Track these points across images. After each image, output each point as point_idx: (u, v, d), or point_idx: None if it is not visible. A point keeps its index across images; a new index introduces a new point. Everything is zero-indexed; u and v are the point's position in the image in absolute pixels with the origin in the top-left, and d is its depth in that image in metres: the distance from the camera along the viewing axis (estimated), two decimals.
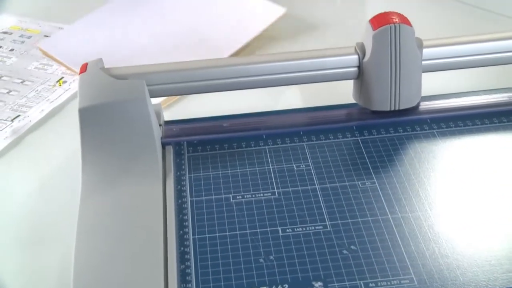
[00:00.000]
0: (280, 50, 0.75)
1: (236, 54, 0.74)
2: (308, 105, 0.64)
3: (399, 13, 0.59)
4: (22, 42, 0.80)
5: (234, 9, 0.82)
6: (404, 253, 0.47)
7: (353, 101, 0.62)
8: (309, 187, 0.53)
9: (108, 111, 0.55)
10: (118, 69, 0.58)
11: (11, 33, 0.82)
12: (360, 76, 0.59)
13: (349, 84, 0.61)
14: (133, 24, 0.81)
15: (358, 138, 0.58)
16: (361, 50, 0.59)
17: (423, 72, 0.60)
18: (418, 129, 0.58)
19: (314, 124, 0.60)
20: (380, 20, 0.58)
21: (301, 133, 0.59)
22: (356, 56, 0.59)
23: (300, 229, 0.49)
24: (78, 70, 0.70)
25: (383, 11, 0.59)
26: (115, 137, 0.54)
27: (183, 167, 0.56)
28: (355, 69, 0.59)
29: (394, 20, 0.57)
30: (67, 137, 0.64)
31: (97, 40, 0.78)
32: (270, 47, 0.76)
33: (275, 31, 0.78)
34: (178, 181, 0.54)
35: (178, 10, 0.83)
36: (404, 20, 0.58)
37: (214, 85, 0.58)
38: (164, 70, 0.58)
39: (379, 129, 0.59)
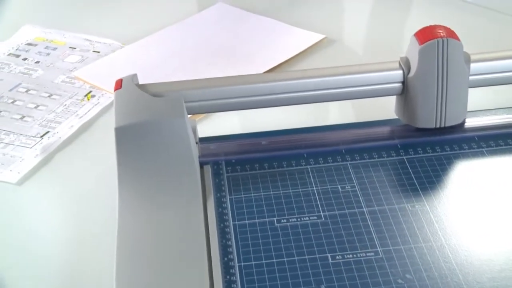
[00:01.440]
0: None
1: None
2: (346, 121, 0.62)
3: (446, 27, 0.56)
4: (48, 54, 0.78)
5: (272, 34, 0.81)
6: (463, 283, 0.44)
7: (394, 117, 0.60)
8: (356, 210, 0.51)
9: (146, 130, 0.52)
10: (154, 86, 0.56)
11: (35, 45, 0.80)
12: (405, 92, 0.57)
13: (390, 99, 0.59)
14: (170, 47, 0.79)
15: (404, 157, 0.56)
16: (405, 65, 0.57)
17: (470, 87, 0.57)
18: (466, 147, 0.56)
19: (356, 142, 0.58)
20: (426, 34, 0.56)
21: (344, 151, 0.57)
22: (400, 71, 0.57)
23: (351, 255, 0.47)
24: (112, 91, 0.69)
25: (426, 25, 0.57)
26: (152, 157, 0.52)
27: (223, 188, 0.54)
28: (399, 84, 0.57)
29: (441, 34, 0.55)
30: (99, 155, 0.62)
31: (134, 65, 0.76)
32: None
33: (313, 56, 0.77)
34: (219, 203, 0.52)
35: (216, 31, 0.82)
36: (452, 34, 0.56)
37: (254, 101, 0.56)
38: (202, 86, 0.56)
39: (425, 147, 0.56)
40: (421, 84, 0.56)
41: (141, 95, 0.54)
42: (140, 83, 0.57)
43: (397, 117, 0.59)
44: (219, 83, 0.56)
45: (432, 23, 0.58)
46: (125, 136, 0.52)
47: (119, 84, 0.56)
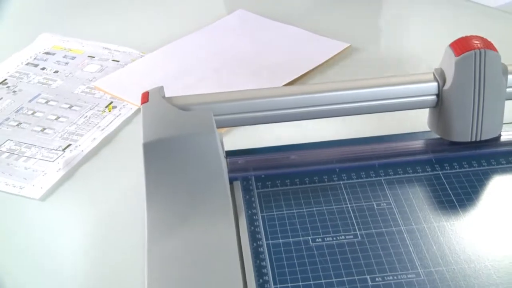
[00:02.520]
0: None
1: (293, 83, 0.71)
2: (375, 133, 0.60)
3: (482, 37, 0.55)
4: (66, 63, 0.77)
5: (295, 42, 0.79)
6: None
7: (426, 129, 0.58)
8: (393, 228, 0.49)
9: (175, 146, 0.51)
10: (181, 98, 0.54)
11: (54, 54, 0.79)
12: (439, 104, 0.55)
13: (420, 110, 0.58)
14: (191, 55, 0.78)
15: (440, 172, 0.54)
16: (440, 76, 0.55)
17: (507, 99, 0.56)
18: (504, 162, 0.54)
19: (389, 157, 0.56)
20: (463, 45, 0.54)
21: (377, 166, 0.55)
22: (435, 84, 0.55)
23: (391, 277, 0.45)
24: (135, 102, 0.68)
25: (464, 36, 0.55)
26: (181, 174, 0.51)
27: (254, 205, 0.52)
28: (434, 97, 0.55)
29: (478, 45, 0.53)
30: (123, 169, 0.60)
31: (155, 74, 0.74)
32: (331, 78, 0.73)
33: (338, 65, 0.75)
34: (251, 221, 0.50)
35: (237, 39, 0.80)
36: (489, 45, 0.54)
37: (285, 115, 0.54)
38: (231, 99, 0.54)
39: (461, 162, 0.55)
40: (457, 96, 0.54)
41: (169, 109, 0.53)
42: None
43: (429, 130, 0.58)
44: (249, 96, 0.54)
45: (462, 32, 0.56)
46: (154, 152, 0.51)
47: (145, 97, 0.54)
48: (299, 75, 0.71)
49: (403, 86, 0.55)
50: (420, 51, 0.77)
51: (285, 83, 0.70)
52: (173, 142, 0.51)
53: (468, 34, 0.55)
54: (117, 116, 0.67)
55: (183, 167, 0.51)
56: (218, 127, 0.53)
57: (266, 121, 0.54)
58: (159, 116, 0.53)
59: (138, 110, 0.68)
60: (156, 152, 0.51)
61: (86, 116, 0.67)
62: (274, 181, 0.54)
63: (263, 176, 0.55)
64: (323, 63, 0.74)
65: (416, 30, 0.83)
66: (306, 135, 0.62)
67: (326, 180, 0.54)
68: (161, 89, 0.55)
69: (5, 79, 0.73)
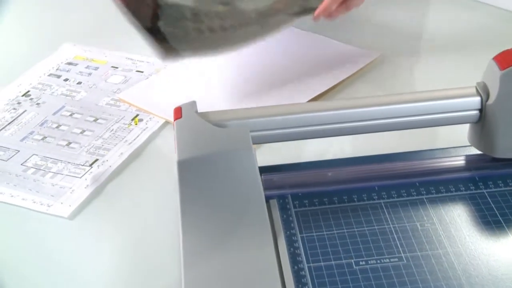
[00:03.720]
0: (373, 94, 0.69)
1: (324, 95, 0.69)
2: (412, 147, 0.58)
3: None
4: (89, 74, 0.75)
5: (324, 52, 0.76)
6: None
7: (466, 143, 0.56)
8: (440, 250, 0.47)
9: (210, 163, 0.49)
10: (216, 114, 0.53)
11: (76, 64, 0.77)
12: (482, 119, 0.53)
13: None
14: (216, 65, 0.76)
15: (484, 191, 0.52)
16: (483, 91, 0.53)
17: None
18: None
19: (430, 174, 0.54)
20: (508, 58, 0.52)
21: (417, 184, 0.53)
22: (478, 98, 0.53)
23: None
24: (162, 115, 0.66)
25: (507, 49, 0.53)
26: (217, 192, 0.49)
27: (292, 225, 0.50)
28: (476, 112, 0.53)
29: None
30: (153, 186, 0.58)
31: (179, 86, 0.72)
32: (362, 90, 0.71)
33: (369, 75, 0.73)
34: (290, 243, 0.48)
35: (266, 48, 0.78)
36: None
37: (323, 130, 0.52)
38: (267, 115, 0.52)
39: (506, 180, 0.52)
40: (503, 111, 0.52)
41: (203, 125, 0.51)
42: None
43: (469, 145, 0.56)
44: (286, 111, 0.52)
45: (500, 41, 0.54)
46: (189, 170, 0.49)
47: (178, 113, 0.52)
48: (328, 87, 0.69)
49: (444, 101, 0.53)
50: (456, 61, 0.75)
51: (315, 95, 0.68)
52: (209, 160, 0.49)
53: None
54: (144, 129, 0.65)
55: (219, 186, 0.49)
56: (253, 144, 0.52)
57: (303, 137, 0.53)
58: (193, 133, 0.51)
59: (165, 123, 0.66)
60: (191, 170, 0.49)
61: (112, 130, 0.65)
62: (311, 199, 0.52)
63: (300, 194, 0.53)
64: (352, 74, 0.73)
65: (450, 38, 0.81)
66: (340, 149, 0.61)
67: (365, 198, 0.52)
68: (193, 104, 0.53)
69: (28, 91, 0.72)
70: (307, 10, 0.68)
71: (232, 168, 0.49)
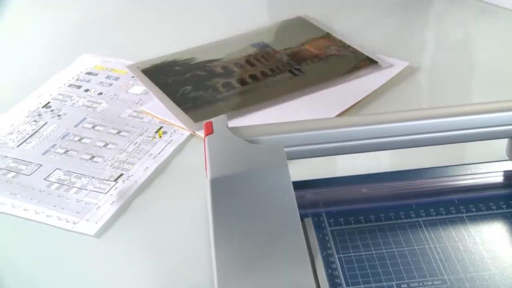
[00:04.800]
0: (402, 107, 0.68)
1: (353, 108, 0.68)
2: (446, 161, 0.56)
3: None
4: (110, 84, 0.74)
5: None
6: None
7: (504, 158, 0.54)
8: (485, 272, 0.45)
9: (244, 181, 0.47)
10: (248, 129, 0.51)
11: (96, 74, 0.76)
12: None
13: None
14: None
15: None
16: None
17: None
18: None
19: (469, 191, 0.52)
20: None
21: (456, 201, 0.51)
22: None
23: None
24: (187, 128, 0.65)
25: None
26: (251, 211, 0.47)
27: (329, 244, 0.48)
28: None
29: None
30: (181, 202, 0.57)
31: None
32: (391, 103, 0.69)
33: (397, 87, 0.71)
34: (327, 264, 0.46)
35: None
36: None
37: (360, 145, 0.51)
38: (301, 130, 0.51)
39: None
40: None
41: (236, 141, 0.49)
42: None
43: (507, 159, 0.54)
44: (321, 126, 0.51)
45: None
46: (221, 188, 0.47)
47: (209, 128, 0.51)
48: (358, 100, 0.68)
49: (484, 115, 0.52)
50: (487, 69, 0.73)
51: (344, 108, 0.66)
52: (242, 177, 0.47)
53: None
54: (169, 142, 0.64)
55: (253, 205, 0.47)
56: (287, 159, 0.50)
57: (341, 152, 0.51)
58: (225, 149, 0.49)
59: (190, 136, 0.65)
60: (224, 188, 0.47)
61: (136, 143, 0.64)
62: (347, 217, 0.51)
63: (334, 212, 0.51)
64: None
65: (481, 46, 0.79)
66: (372, 163, 0.59)
67: (403, 216, 0.50)
68: (224, 118, 0.52)
69: (49, 102, 0.70)
70: None
71: (267, 186, 0.47)
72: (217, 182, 0.47)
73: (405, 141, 0.51)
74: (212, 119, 0.52)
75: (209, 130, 0.51)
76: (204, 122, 0.52)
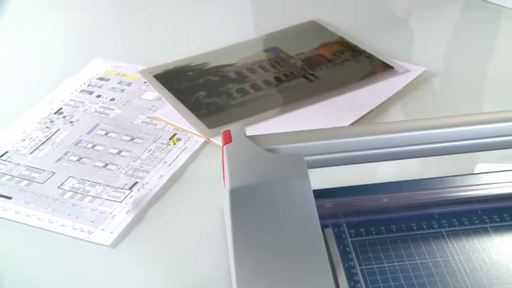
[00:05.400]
0: (419, 113, 0.67)
1: (369, 114, 0.66)
2: (464, 169, 0.55)
3: None
4: (122, 90, 0.73)
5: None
6: None
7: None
8: (511, 285, 0.44)
9: (264, 192, 0.46)
10: (267, 137, 0.50)
11: (108, 79, 0.75)
12: None
13: None
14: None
15: None
16: None
17: None
18: None
19: (491, 201, 0.51)
20: None
21: (480, 212, 0.50)
22: None
23: None
24: (202, 135, 0.64)
25: None
26: (272, 222, 0.46)
27: (350, 256, 0.47)
28: None
29: None
30: (197, 210, 0.56)
31: None
32: (408, 109, 0.68)
33: (414, 92, 0.70)
34: (350, 276, 0.45)
35: None
36: None
37: (381, 154, 0.49)
38: (321, 138, 0.49)
39: None
40: None
41: (255, 150, 0.48)
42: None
43: None
44: (342, 134, 0.50)
45: None
46: (241, 199, 0.46)
47: (228, 137, 0.50)
48: (374, 106, 0.67)
49: (504, 124, 0.51)
50: (506, 74, 0.72)
51: (361, 115, 0.65)
52: (262, 187, 0.46)
53: None
54: (183, 150, 0.63)
55: (273, 215, 0.46)
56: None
57: (361, 161, 0.50)
58: (244, 159, 0.48)
59: (204, 143, 0.64)
60: (244, 198, 0.46)
61: (150, 150, 0.63)
62: (368, 228, 0.50)
63: (355, 222, 0.50)
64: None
65: (500, 51, 0.78)
66: (391, 171, 0.58)
67: (425, 227, 0.49)
68: (242, 127, 0.51)
69: (60, 108, 0.69)
70: None
71: (287, 196, 0.46)
72: (237, 192, 0.46)
73: (428, 149, 0.50)
74: (230, 128, 0.51)
75: (228, 139, 0.50)
76: (222, 130, 0.51)
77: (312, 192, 0.47)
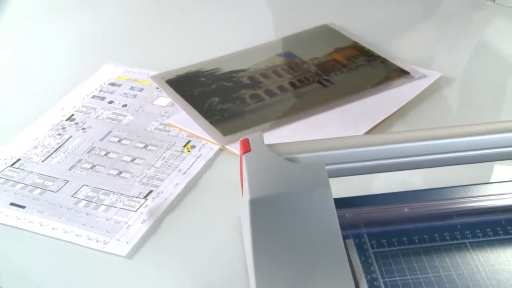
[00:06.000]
0: (437, 120, 0.66)
1: (386, 120, 0.66)
2: (490, 178, 0.54)
3: None
4: (134, 96, 0.72)
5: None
6: None
7: None
8: None
9: (285, 202, 0.45)
10: (286, 146, 0.49)
11: (119, 85, 0.74)
12: None
13: None
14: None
15: None
16: None
17: None
18: None
19: None
20: None
21: (504, 222, 0.49)
22: None
23: None
24: (216, 142, 0.63)
25: None
26: (293, 233, 0.45)
27: (373, 268, 0.46)
28: None
29: None
30: (213, 220, 0.55)
31: None
32: (425, 115, 0.67)
33: (431, 98, 0.69)
34: None
35: None
36: None
37: (406, 163, 0.48)
38: (342, 147, 0.48)
39: None
40: None
41: (275, 160, 0.47)
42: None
43: None
44: (363, 143, 0.48)
45: None
46: (262, 209, 0.45)
47: (247, 146, 0.49)
48: (391, 112, 0.66)
49: None
50: None
51: (378, 122, 0.64)
52: (283, 198, 0.45)
53: None
54: (198, 157, 0.62)
55: (294, 226, 0.45)
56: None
57: (383, 170, 0.49)
58: (264, 168, 0.47)
59: (219, 150, 0.63)
60: (264, 209, 0.45)
61: (164, 158, 0.62)
62: (389, 238, 0.49)
63: (376, 233, 0.49)
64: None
65: None
66: (411, 179, 0.57)
67: (448, 238, 0.48)
68: (261, 135, 0.50)
69: (72, 115, 0.68)
70: None
71: (308, 207, 0.45)
72: (257, 203, 0.45)
73: (452, 158, 0.49)
74: (248, 136, 0.50)
75: (246, 148, 0.49)
76: (237, 137, 0.50)
77: (333, 202, 0.46)
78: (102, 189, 0.58)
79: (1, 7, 0.91)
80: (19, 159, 0.62)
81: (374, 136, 0.49)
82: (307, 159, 0.48)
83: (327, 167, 0.48)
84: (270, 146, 0.49)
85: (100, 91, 0.73)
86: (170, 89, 0.72)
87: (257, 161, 0.48)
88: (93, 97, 0.72)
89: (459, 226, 0.49)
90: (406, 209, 0.51)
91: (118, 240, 0.53)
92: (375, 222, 0.50)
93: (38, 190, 0.58)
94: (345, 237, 0.48)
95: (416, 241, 0.48)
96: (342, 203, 0.52)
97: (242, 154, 0.48)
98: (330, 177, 0.48)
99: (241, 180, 0.50)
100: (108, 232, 0.53)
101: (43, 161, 0.62)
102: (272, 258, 0.45)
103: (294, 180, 0.46)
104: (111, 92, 0.72)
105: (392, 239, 0.48)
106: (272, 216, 0.45)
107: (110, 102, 0.71)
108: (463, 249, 0.47)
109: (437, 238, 0.48)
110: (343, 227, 0.49)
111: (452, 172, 0.52)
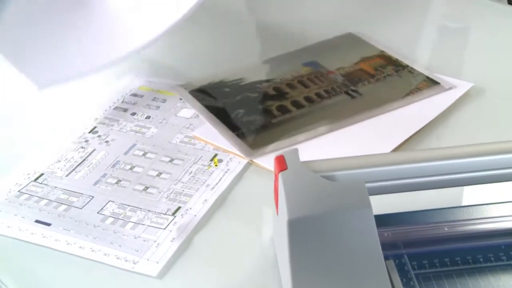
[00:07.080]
0: (471, 132, 0.64)
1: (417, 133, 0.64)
2: None
3: None
4: (157, 107, 0.70)
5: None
6: None
7: None
8: None
9: (325, 223, 0.43)
10: (323, 164, 0.47)
11: (141, 96, 0.72)
12: None
13: None
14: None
15: None
16: None
17: None
18: None
19: None
20: None
21: None
22: None
23: None
24: (244, 156, 0.62)
25: None
26: (332, 254, 0.43)
27: None
28: None
29: None
30: (245, 238, 0.53)
31: None
32: (458, 128, 0.65)
33: (462, 109, 0.67)
34: None
35: None
36: None
37: (449, 180, 0.47)
38: (383, 164, 0.47)
39: None
40: None
41: (313, 178, 0.46)
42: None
43: None
44: (403, 160, 0.47)
45: None
46: (300, 230, 0.43)
47: (283, 163, 0.47)
48: (422, 125, 0.64)
49: None
50: None
51: (410, 134, 0.62)
52: (323, 219, 0.44)
53: None
54: (226, 171, 0.60)
55: (334, 248, 0.44)
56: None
57: (425, 187, 0.47)
58: (302, 187, 0.45)
59: (247, 164, 0.61)
60: (303, 230, 0.44)
61: (191, 172, 0.60)
62: (431, 259, 0.47)
63: (417, 253, 0.47)
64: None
65: None
66: (447, 195, 0.56)
67: (492, 259, 0.47)
68: (296, 152, 0.48)
69: (95, 127, 0.67)
70: None
71: (348, 226, 0.44)
72: (296, 223, 0.44)
73: (495, 176, 0.47)
74: (283, 152, 0.48)
75: (283, 166, 0.47)
76: (275, 155, 0.48)
77: (375, 223, 0.44)
78: (129, 205, 0.57)
79: None
80: (42, 174, 0.61)
81: (414, 153, 0.48)
82: (346, 176, 0.46)
83: (368, 185, 0.46)
84: (306, 163, 0.47)
85: (122, 102, 0.71)
86: (194, 100, 0.70)
87: (294, 179, 0.46)
88: (115, 108, 0.70)
89: (503, 247, 0.47)
90: (446, 228, 0.49)
91: (147, 259, 0.51)
92: (415, 242, 0.48)
93: (63, 207, 0.57)
94: (385, 258, 0.46)
95: (459, 262, 0.46)
96: (379, 221, 0.50)
97: (279, 172, 0.47)
98: (369, 195, 0.47)
99: (275, 198, 0.48)
100: (137, 251, 0.52)
101: (67, 175, 0.60)
102: (310, 280, 0.43)
103: (333, 200, 0.45)
104: (134, 103, 0.71)
105: (433, 260, 0.47)
106: (311, 237, 0.44)
107: (133, 113, 0.69)
108: (509, 271, 0.45)
109: (481, 259, 0.46)
110: (382, 247, 0.47)
111: (496, 188, 0.50)
